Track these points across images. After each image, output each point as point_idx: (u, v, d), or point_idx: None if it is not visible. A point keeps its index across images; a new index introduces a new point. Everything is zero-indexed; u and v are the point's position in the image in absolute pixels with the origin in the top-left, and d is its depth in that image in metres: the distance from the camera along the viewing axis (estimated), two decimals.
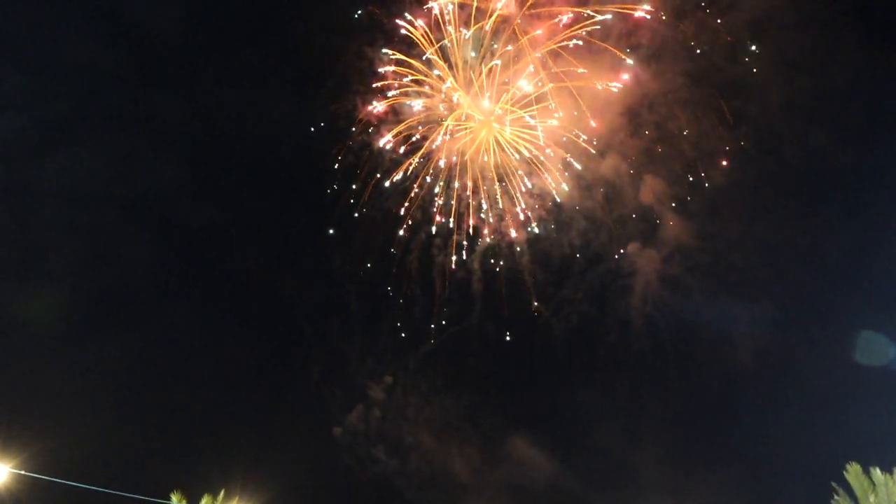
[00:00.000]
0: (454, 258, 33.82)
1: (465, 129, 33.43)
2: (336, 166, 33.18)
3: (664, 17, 31.84)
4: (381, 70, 32.84)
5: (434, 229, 33.91)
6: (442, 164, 33.67)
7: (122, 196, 32.78)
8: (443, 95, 33.22)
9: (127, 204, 32.83)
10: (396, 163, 33.33)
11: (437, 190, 33.57)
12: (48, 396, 29.60)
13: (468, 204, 33.73)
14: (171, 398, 31.52)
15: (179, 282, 33.67)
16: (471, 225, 33.93)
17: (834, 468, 17.68)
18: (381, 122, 33.40)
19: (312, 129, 33.62)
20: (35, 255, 31.25)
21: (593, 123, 32.56)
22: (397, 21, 32.17)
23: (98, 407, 29.97)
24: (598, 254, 34.24)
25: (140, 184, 32.88)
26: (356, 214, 33.45)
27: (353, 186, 33.25)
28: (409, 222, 33.74)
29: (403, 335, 34.56)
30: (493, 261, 33.92)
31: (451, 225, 33.72)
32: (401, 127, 33.16)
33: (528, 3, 31.52)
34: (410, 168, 33.28)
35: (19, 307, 29.69)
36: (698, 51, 32.34)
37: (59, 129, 31.56)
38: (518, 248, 34.03)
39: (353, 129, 33.25)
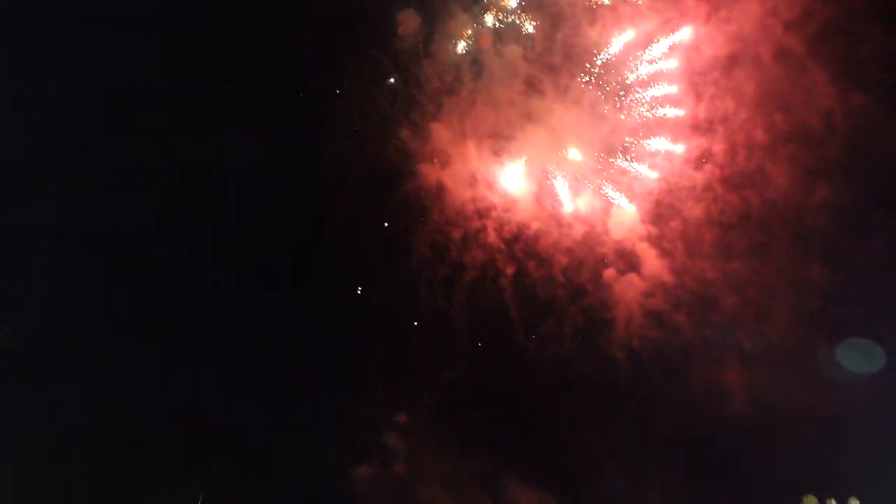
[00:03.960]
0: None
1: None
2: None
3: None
4: None
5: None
6: None
7: (90, 235, 32.70)
8: None
9: (95, 243, 32.82)
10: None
11: None
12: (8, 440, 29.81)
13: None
14: (148, 446, 31.52)
15: (158, 325, 33.47)
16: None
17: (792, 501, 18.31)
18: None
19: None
20: None
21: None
22: None
23: (65, 452, 30.22)
24: (580, 289, 34.66)
25: (108, 222, 32.93)
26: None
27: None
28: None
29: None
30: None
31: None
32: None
33: None
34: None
35: None
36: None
37: (24, 169, 31.78)
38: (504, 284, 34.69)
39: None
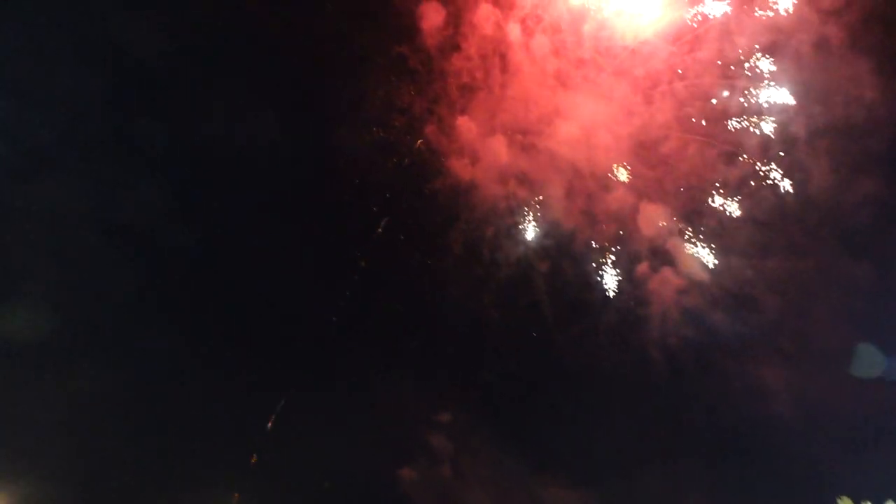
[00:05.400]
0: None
1: None
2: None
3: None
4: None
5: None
6: None
7: (105, 221, 32.68)
8: None
9: (110, 229, 32.73)
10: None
11: None
12: (23, 428, 29.66)
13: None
14: (166, 435, 31.42)
15: (171, 309, 33.33)
16: None
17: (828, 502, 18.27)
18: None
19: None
20: (16, 280, 31.08)
21: None
22: None
23: (80, 441, 30.09)
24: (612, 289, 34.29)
25: (124, 208, 32.74)
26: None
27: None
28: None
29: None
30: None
31: None
32: None
33: None
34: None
35: None
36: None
37: (43, 155, 31.90)
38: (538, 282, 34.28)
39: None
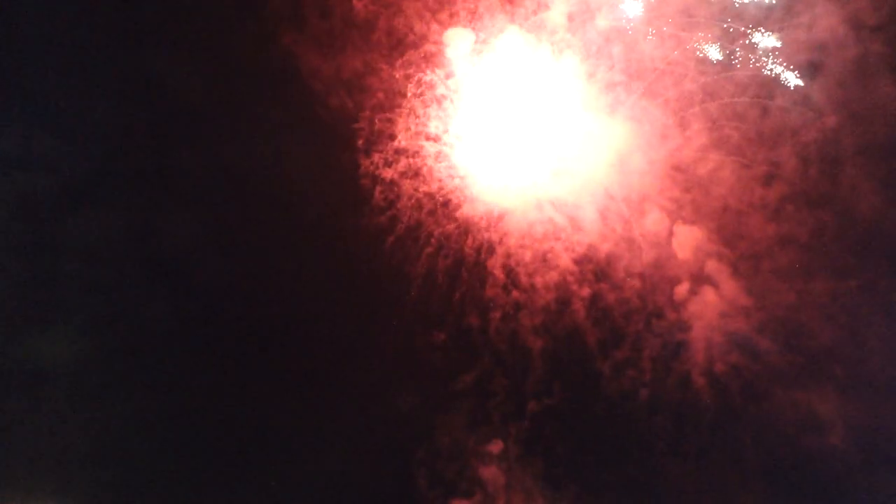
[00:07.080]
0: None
1: None
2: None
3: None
4: None
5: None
6: None
7: (145, 253, 33.45)
8: None
9: (148, 261, 33.39)
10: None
11: None
12: (64, 457, 30.28)
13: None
14: (204, 468, 31.29)
15: (207, 341, 33.28)
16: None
17: None
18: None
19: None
20: (56, 311, 31.85)
21: None
22: None
23: (118, 471, 30.57)
24: (655, 311, 33.51)
25: (163, 241, 33.48)
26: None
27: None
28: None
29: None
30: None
31: None
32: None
33: None
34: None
35: (38, 364, 30.57)
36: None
37: (84, 188, 32.88)
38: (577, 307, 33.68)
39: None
